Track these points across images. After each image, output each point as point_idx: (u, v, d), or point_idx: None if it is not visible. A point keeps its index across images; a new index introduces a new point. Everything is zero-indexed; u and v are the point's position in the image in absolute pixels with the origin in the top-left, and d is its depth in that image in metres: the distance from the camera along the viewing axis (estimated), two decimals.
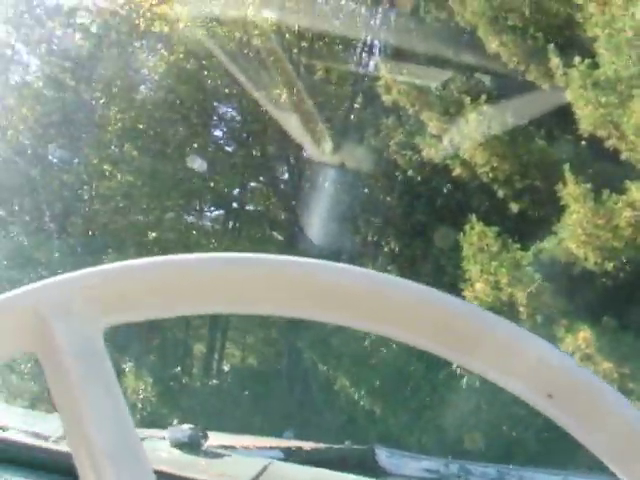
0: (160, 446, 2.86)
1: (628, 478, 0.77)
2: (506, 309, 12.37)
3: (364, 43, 21.17)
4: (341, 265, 0.74)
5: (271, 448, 13.87)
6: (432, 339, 0.77)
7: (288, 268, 0.73)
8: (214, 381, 22.16)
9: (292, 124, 18.78)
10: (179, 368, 22.95)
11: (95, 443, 0.62)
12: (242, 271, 0.72)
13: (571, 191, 11.86)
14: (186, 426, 3.13)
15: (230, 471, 2.50)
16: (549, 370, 0.76)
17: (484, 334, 0.75)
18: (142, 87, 23.88)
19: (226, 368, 24.04)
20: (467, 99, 13.79)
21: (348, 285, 0.73)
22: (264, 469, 2.82)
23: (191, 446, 3.07)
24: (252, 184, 24.42)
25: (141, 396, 20.05)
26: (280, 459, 11.70)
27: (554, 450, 13.48)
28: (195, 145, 22.47)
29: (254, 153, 22.70)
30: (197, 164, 21.42)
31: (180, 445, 3.00)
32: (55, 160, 24.38)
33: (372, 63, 20.01)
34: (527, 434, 14.62)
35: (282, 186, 22.63)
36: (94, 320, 0.68)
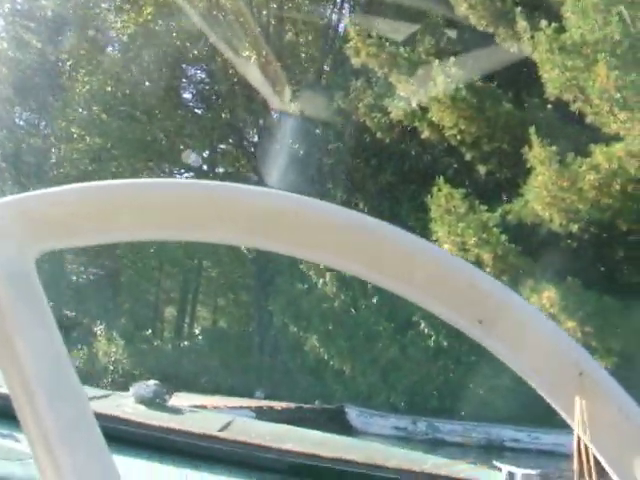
0: (124, 402, 2.91)
1: (557, 404, 0.77)
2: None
3: (334, 5, 21.06)
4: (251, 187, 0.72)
5: (242, 407, 14.07)
6: (366, 266, 0.74)
7: (230, 194, 0.71)
8: (185, 343, 22.26)
9: (261, 86, 18.70)
10: (150, 331, 23.02)
11: (27, 369, 0.61)
12: (175, 197, 0.70)
13: (537, 154, 11.97)
14: (151, 382, 3.15)
15: (196, 425, 2.58)
16: (479, 296, 0.74)
17: (415, 261, 0.74)
18: (110, 49, 23.60)
19: (197, 330, 24.14)
20: (435, 61, 13.80)
21: (257, 206, 0.71)
22: (229, 423, 2.90)
23: (156, 402, 3.10)
24: (222, 146, 24.33)
25: (113, 358, 20.12)
26: (251, 418, 11.88)
27: (522, 407, 13.74)
28: (164, 107, 22.31)
29: (223, 115, 22.59)
30: (192, 159, 21.41)
31: (145, 401, 3.03)
32: (22, 123, 24.10)
33: (342, 25, 19.94)
34: (494, 392, 14.90)
35: (252, 148, 22.58)
36: (28, 245, 0.66)
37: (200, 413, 3.77)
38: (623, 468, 0.75)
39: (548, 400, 0.77)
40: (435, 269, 0.75)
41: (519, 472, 3.75)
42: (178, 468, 1.62)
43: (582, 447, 0.74)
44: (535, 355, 0.76)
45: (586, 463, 0.75)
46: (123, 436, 1.73)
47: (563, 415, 0.76)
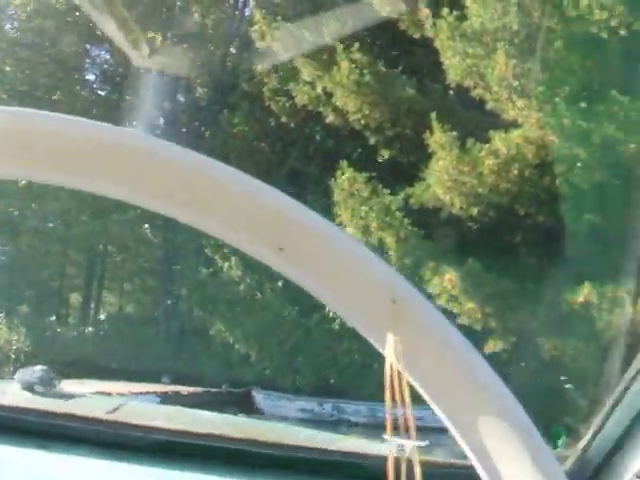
0: (9, 389, 2.86)
1: (369, 335, 0.70)
2: (376, 253, 12.73)
3: None
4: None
5: (147, 393, 13.94)
6: (153, 194, 0.66)
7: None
8: (90, 329, 21.87)
9: (167, 68, 18.45)
10: (54, 317, 22.51)
11: None
12: None
13: (438, 139, 12.23)
14: (38, 367, 3.10)
15: (83, 409, 2.56)
16: (280, 221, 0.68)
17: (211, 188, 0.67)
18: (8, 26, 22.83)
19: (102, 316, 23.73)
20: (340, 47, 13.89)
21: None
22: (119, 406, 2.87)
23: (42, 388, 3.04)
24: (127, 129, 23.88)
25: (14, 347, 19.61)
26: (157, 404, 11.78)
27: None
28: (66, 88, 21.77)
29: (127, 97, 22.17)
30: None
31: (30, 387, 2.98)
32: None
33: (248, 8, 19.82)
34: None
35: (157, 131, 22.26)
36: None
37: (90, 398, 3.72)
38: (442, 397, 0.72)
39: (360, 332, 0.71)
40: (231, 194, 0.68)
41: (409, 444, 3.85)
42: (27, 449, 1.61)
43: (395, 379, 0.70)
44: (343, 283, 0.69)
45: (399, 394, 0.72)
46: None
47: (376, 347, 0.70)
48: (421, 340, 0.69)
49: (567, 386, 11.85)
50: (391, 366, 0.69)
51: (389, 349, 0.69)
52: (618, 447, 1.71)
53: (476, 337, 12.91)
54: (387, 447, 0.72)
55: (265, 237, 0.68)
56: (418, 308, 0.69)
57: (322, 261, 0.69)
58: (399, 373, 0.70)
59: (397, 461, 0.72)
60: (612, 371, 9.58)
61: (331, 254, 0.69)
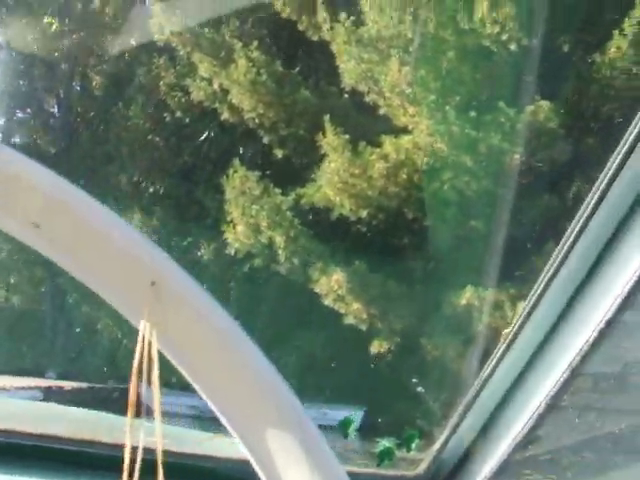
0: None
1: (130, 317, 0.66)
2: (266, 252, 12.82)
3: None
4: None
5: (30, 388, 13.62)
6: None
7: None
8: None
9: (62, 56, 18.07)
10: None
11: None
12: None
13: (330, 141, 12.42)
14: None
15: None
16: (36, 196, 0.62)
17: None
18: None
19: None
20: (239, 44, 13.92)
21: None
22: None
23: None
24: (19, 115, 23.25)
25: None
26: (40, 399, 11.54)
27: (312, 384, 14.12)
28: None
29: (21, 82, 21.60)
30: None
31: None
32: None
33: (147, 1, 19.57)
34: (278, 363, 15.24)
35: (51, 120, 21.75)
36: None
37: None
38: (210, 388, 0.68)
39: (121, 313, 0.68)
40: None
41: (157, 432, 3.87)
42: None
43: (145, 360, 0.68)
44: (101, 264, 0.65)
45: (147, 374, 0.69)
46: None
47: (137, 327, 0.65)
48: (183, 325, 0.66)
49: (419, 389, 12.19)
50: (142, 353, 0.67)
51: (141, 335, 0.66)
52: (472, 450, 1.73)
53: (361, 337, 13.15)
54: (128, 434, 0.68)
55: (19, 212, 0.63)
56: (181, 290, 0.65)
57: (80, 239, 0.64)
58: (150, 361, 0.67)
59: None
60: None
61: (89, 232, 0.64)
